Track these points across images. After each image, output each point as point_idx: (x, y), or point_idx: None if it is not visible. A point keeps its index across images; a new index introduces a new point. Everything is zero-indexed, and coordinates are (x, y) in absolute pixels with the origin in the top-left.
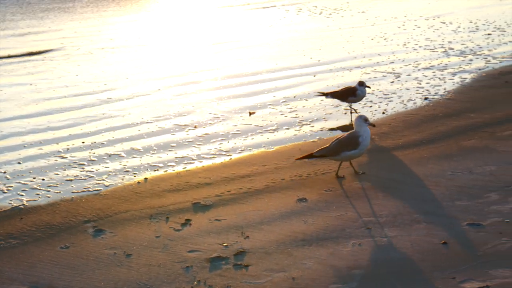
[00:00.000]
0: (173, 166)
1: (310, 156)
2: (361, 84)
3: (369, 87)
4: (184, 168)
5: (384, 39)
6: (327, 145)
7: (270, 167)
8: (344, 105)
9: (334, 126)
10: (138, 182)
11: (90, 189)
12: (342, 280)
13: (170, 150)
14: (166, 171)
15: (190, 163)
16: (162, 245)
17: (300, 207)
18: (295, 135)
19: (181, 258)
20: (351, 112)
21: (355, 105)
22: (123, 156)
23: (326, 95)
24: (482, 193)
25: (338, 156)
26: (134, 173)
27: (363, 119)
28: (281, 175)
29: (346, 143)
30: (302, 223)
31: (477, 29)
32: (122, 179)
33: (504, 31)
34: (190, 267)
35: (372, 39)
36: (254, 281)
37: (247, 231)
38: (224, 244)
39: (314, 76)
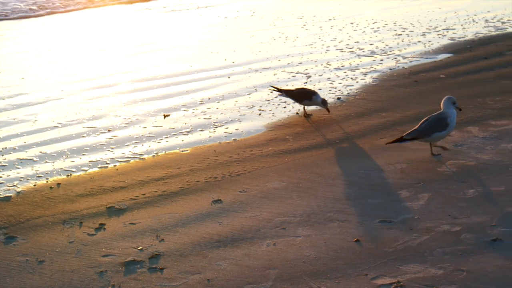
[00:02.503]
0: (87, 170)
1: (400, 139)
2: (323, 102)
3: (327, 109)
4: (97, 172)
5: (294, 40)
6: (416, 128)
7: (185, 169)
8: (258, 106)
9: (250, 129)
10: (51, 188)
11: (1, 195)
12: (257, 280)
13: (83, 154)
14: (80, 175)
15: (104, 167)
16: (75, 251)
17: (215, 208)
18: (209, 137)
19: (95, 263)
20: (305, 114)
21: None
22: (35, 161)
23: (280, 91)
24: (394, 190)
25: (429, 137)
26: (47, 178)
27: (451, 101)
28: (196, 177)
29: (436, 125)
30: (217, 225)
31: (387, 30)
32: (34, 185)
33: (412, 31)
34: (104, 271)
35: (284, 42)
36: (169, 284)
37: (162, 234)
38: (139, 248)
39: (229, 77)
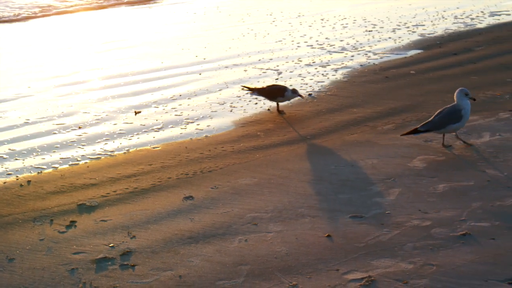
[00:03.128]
0: (57, 167)
1: (415, 131)
2: (294, 91)
3: (301, 96)
4: (68, 169)
5: (264, 37)
6: (430, 119)
7: (157, 166)
8: (229, 102)
9: (222, 125)
10: (21, 185)
11: None
12: (228, 276)
13: (53, 152)
14: (50, 172)
15: (75, 164)
16: (46, 248)
17: (186, 205)
18: (181, 133)
19: (66, 261)
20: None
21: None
22: (5, 158)
23: (252, 90)
24: (364, 186)
25: (443, 129)
26: (17, 176)
27: (464, 93)
28: (167, 173)
29: (450, 117)
30: (189, 221)
31: (358, 26)
32: (4, 182)
33: (383, 27)
34: (75, 269)
35: (254, 38)
36: (140, 281)
37: (133, 231)
38: (110, 245)
39: (200, 74)
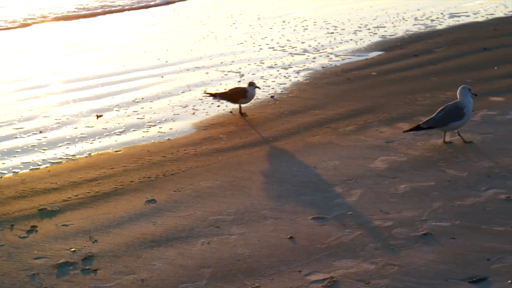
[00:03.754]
0: (18, 172)
1: (417, 128)
2: (251, 84)
3: (258, 87)
4: (29, 174)
5: (225, 39)
6: (433, 116)
7: (119, 169)
8: (192, 105)
9: (184, 128)
10: None
11: None
12: (191, 279)
13: (14, 156)
14: (11, 177)
15: (36, 168)
16: (6, 254)
17: (149, 208)
18: (143, 136)
19: (27, 266)
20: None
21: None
22: None
23: (214, 95)
24: (326, 187)
25: (446, 126)
26: None
27: (467, 89)
28: (129, 177)
29: (452, 114)
30: (151, 225)
31: (319, 28)
32: None
33: (344, 29)
34: (36, 274)
35: (215, 41)
36: (102, 285)
37: (95, 235)
38: (72, 249)
39: (162, 77)
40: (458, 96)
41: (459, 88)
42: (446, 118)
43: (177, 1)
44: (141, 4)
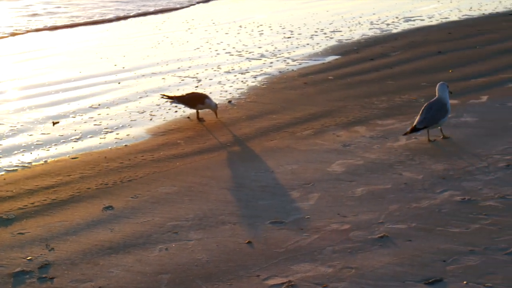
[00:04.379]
0: None
1: (414, 129)
2: (211, 99)
3: (216, 106)
4: None
5: (182, 44)
6: (423, 117)
7: (75, 176)
8: (149, 111)
9: (141, 134)
10: None
11: None
12: (149, 285)
13: None
14: None
15: None
16: None
17: (106, 215)
18: (100, 143)
19: None
20: (198, 118)
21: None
22: None
23: (172, 99)
24: (284, 191)
25: (437, 124)
26: None
27: (446, 86)
28: (86, 184)
29: (441, 112)
30: (109, 232)
31: (276, 33)
32: None
33: (301, 34)
34: None
35: (171, 46)
36: None
37: (52, 243)
38: (28, 258)
39: (119, 83)
40: (437, 93)
41: (438, 85)
42: (436, 116)
43: (132, 17)
44: (97, 19)
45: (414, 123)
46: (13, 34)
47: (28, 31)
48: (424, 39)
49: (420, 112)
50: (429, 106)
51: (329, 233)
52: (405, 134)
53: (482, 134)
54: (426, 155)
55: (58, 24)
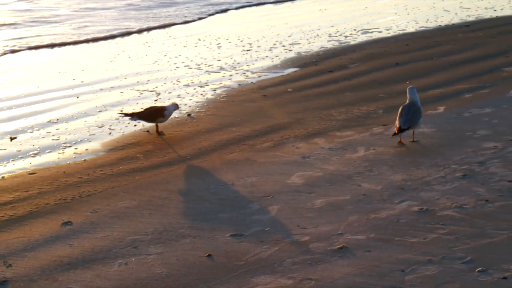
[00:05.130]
0: None
1: (400, 130)
2: (175, 106)
3: (178, 107)
4: None
5: (140, 58)
6: (403, 119)
7: (34, 192)
8: (108, 125)
9: (101, 148)
10: None
11: None
12: None
13: None
14: None
15: None
16: None
17: (65, 230)
18: (58, 158)
19: None
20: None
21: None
22: None
23: (131, 115)
24: (244, 204)
25: (417, 124)
26: None
27: (415, 89)
28: (45, 199)
29: (418, 113)
30: (68, 247)
31: (235, 45)
32: None
33: (260, 47)
34: None
35: (129, 60)
36: None
37: (10, 259)
38: None
39: (78, 97)
40: (408, 96)
41: (408, 89)
42: (416, 117)
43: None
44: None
45: (397, 125)
46: None
47: None
48: (382, 50)
49: (398, 115)
50: (407, 109)
51: (289, 245)
52: (394, 135)
53: (439, 144)
54: (384, 166)
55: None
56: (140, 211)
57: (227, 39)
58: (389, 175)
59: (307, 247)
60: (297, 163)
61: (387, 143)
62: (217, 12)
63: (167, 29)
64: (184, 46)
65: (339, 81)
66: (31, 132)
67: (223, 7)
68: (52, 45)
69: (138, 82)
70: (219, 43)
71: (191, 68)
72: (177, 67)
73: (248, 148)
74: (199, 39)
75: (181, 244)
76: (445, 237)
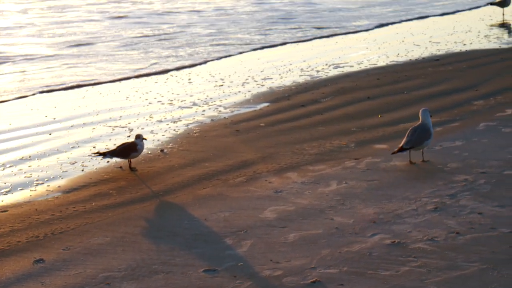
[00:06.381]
0: None
1: (401, 149)
2: (138, 137)
3: (145, 139)
4: None
5: (114, 94)
6: (408, 139)
7: (5, 230)
8: (81, 162)
9: (73, 185)
10: None
11: None
12: None
13: None
14: None
15: None
16: None
17: (37, 268)
18: (30, 195)
19: None
20: (130, 167)
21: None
22: None
23: (104, 154)
24: (217, 239)
25: (421, 145)
26: None
27: (428, 111)
28: (17, 237)
29: (425, 134)
30: (40, 285)
31: (208, 81)
32: None
33: (232, 82)
34: None
35: (100, 96)
36: None
37: None
38: None
39: (50, 134)
40: (420, 118)
41: (421, 111)
42: (421, 138)
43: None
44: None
45: (401, 144)
46: None
47: None
48: (353, 85)
49: (406, 135)
50: (414, 130)
51: (262, 280)
52: (393, 153)
53: (411, 177)
54: (356, 200)
55: None
56: (113, 247)
57: (198, 75)
58: (361, 208)
59: (280, 281)
60: (269, 198)
61: (359, 177)
62: None
63: None
64: (156, 82)
65: (311, 116)
66: (3, 170)
67: None
68: None
69: (110, 118)
70: (190, 79)
71: (163, 103)
72: (149, 103)
73: (221, 183)
74: (170, 75)
75: (154, 280)
76: (417, 270)
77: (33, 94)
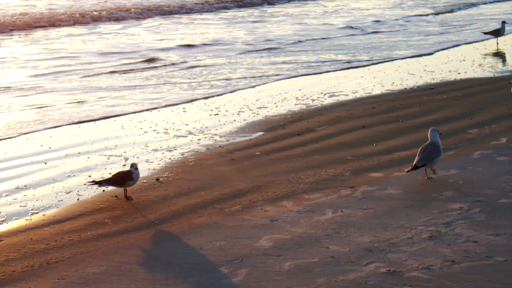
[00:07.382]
0: None
1: (415, 167)
2: (132, 166)
3: (137, 169)
4: None
5: (109, 124)
6: (419, 158)
7: (0, 259)
8: (76, 191)
9: (68, 214)
10: None
11: None
12: None
13: None
14: None
15: None
16: None
17: None
18: (25, 225)
19: None
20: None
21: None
22: None
23: (100, 183)
24: (213, 268)
25: (432, 162)
26: None
27: (436, 130)
28: (11, 267)
29: (436, 152)
30: None
31: (203, 110)
32: None
33: (228, 110)
34: None
35: (96, 124)
36: None
37: None
38: None
39: (45, 163)
40: (429, 137)
41: (430, 130)
42: (432, 155)
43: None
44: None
45: (414, 163)
46: None
47: None
48: (348, 113)
49: (417, 154)
50: (424, 148)
51: None
52: (408, 171)
53: (406, 206)
54: (352, 228)
55: None
56: (109, 276)
57: (195, 103)
58: (357, 237)
59: None
60: (265, 226)
61: (354, 206)
62: None
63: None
64: (150, 111)
65: (306, 144)
66: None
67: None
68: None
69: (106, 147)
70: (184, 108)
71: (158, 132)
72: (145, 132)
73: (217, 212)
74: (165, 105)
75: None
76: None
77: (28, 124)
